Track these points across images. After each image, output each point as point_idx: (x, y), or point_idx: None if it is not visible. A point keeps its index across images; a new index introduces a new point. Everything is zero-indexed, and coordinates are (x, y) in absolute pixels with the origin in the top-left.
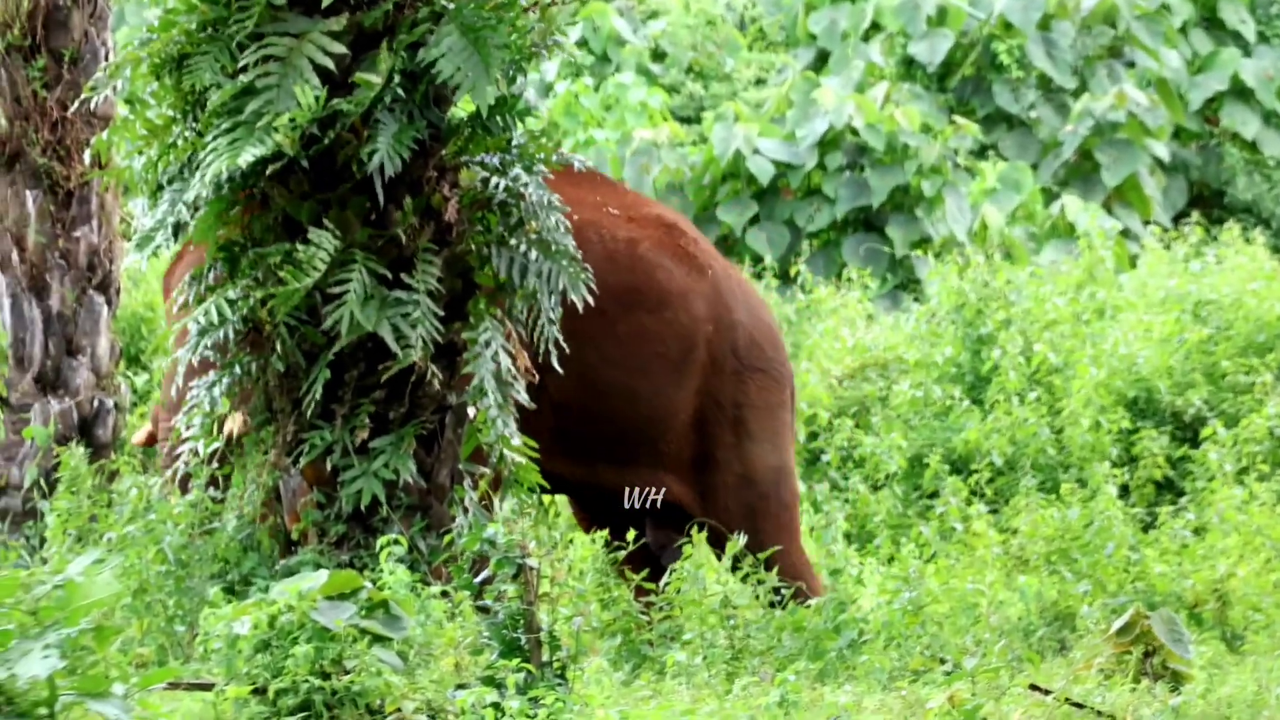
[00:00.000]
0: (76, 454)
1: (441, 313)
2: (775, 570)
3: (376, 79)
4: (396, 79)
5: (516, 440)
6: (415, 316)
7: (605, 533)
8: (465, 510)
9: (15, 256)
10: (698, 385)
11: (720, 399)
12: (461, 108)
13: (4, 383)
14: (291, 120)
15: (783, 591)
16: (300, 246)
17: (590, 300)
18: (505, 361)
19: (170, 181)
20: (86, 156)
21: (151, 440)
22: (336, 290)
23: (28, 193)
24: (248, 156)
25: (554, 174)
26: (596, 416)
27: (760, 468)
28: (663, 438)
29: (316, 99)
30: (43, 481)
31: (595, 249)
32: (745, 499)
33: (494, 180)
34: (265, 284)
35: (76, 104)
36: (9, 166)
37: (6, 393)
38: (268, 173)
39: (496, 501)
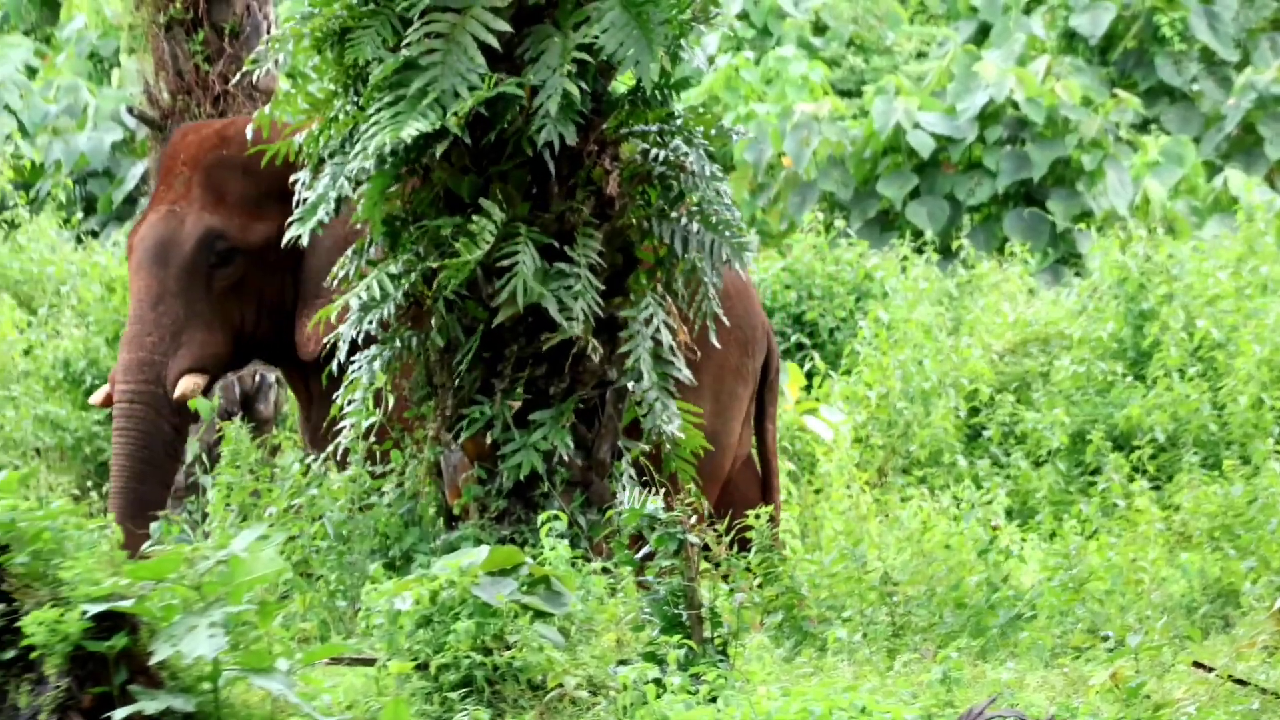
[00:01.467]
0: (239, 429)
1: (603, 287)
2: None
3: (537, 75)
4: (567, 59)
5: (675, 418)
6: (577, 289)
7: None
8: (625, 486)
9: None
10: None
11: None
12: (621, 81)
13: None
14: (456, 107)
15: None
16: (475, 218)
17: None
18: (666, 338)
19: (331, 155)
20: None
21: (108, 401)
22: (505, 263)
23: None
24: (410, 131)
25: None
26: None
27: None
28: None
29: (482, 78)
30: (205, 456)
31: None
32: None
33: (654, 153)
34: (427, 259)
35: (238, 77)
36: None
37: None
38: (432, 150)
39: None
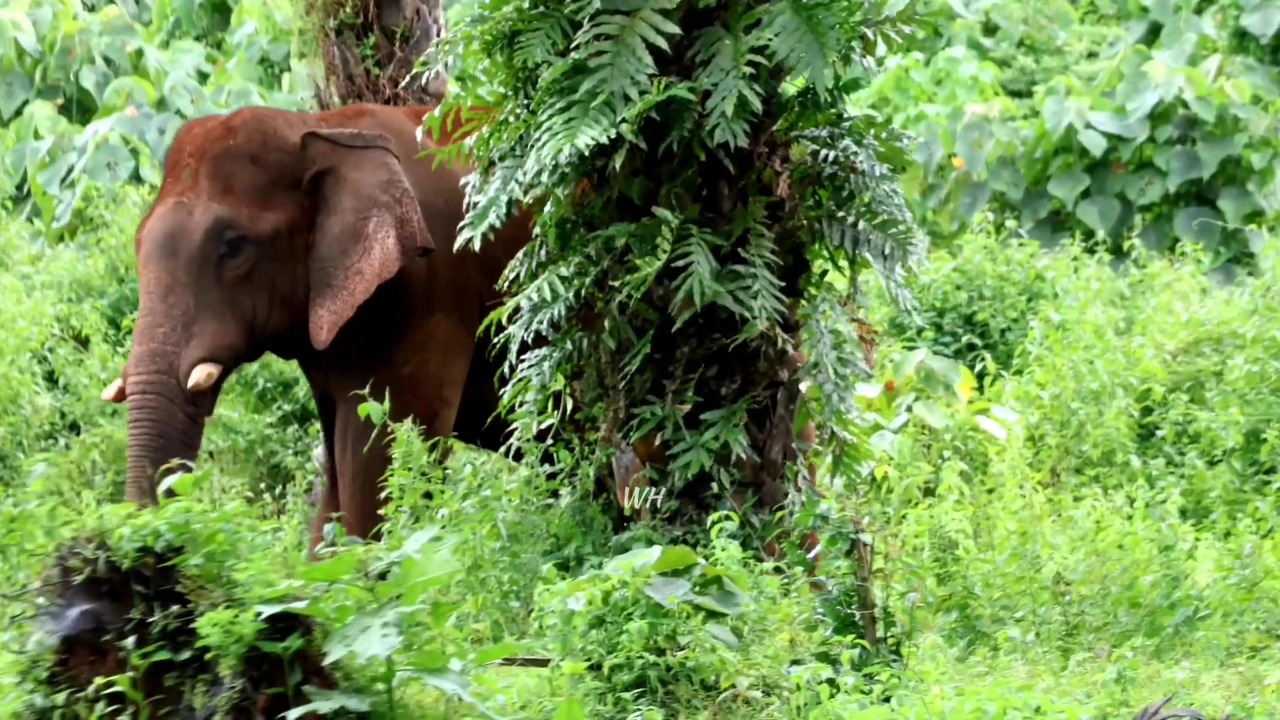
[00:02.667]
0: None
1: (782, 284)
2: None
3: (710, 77)
4: (741, 61)
5: (854, 415)
6: (756, 288)
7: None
8: (798, 487)
9: None
10: None
11: None
12: (790, 83)
13: None
14: (627, 111)
15: None
16: (647, 223)
17: None
18: (849, 330)
19: (502, 158)
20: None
21: (121, 395)
22: (680, 264)
23: None
24: (585, 139)
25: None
26: None
27: None
28: None
29: (651, 80)
30: None
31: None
32: None
33: (824, 154)
34: (599, 262)
35: (407, 81)
36: None
37: None
38: (607, 158)
39: (827, 478)
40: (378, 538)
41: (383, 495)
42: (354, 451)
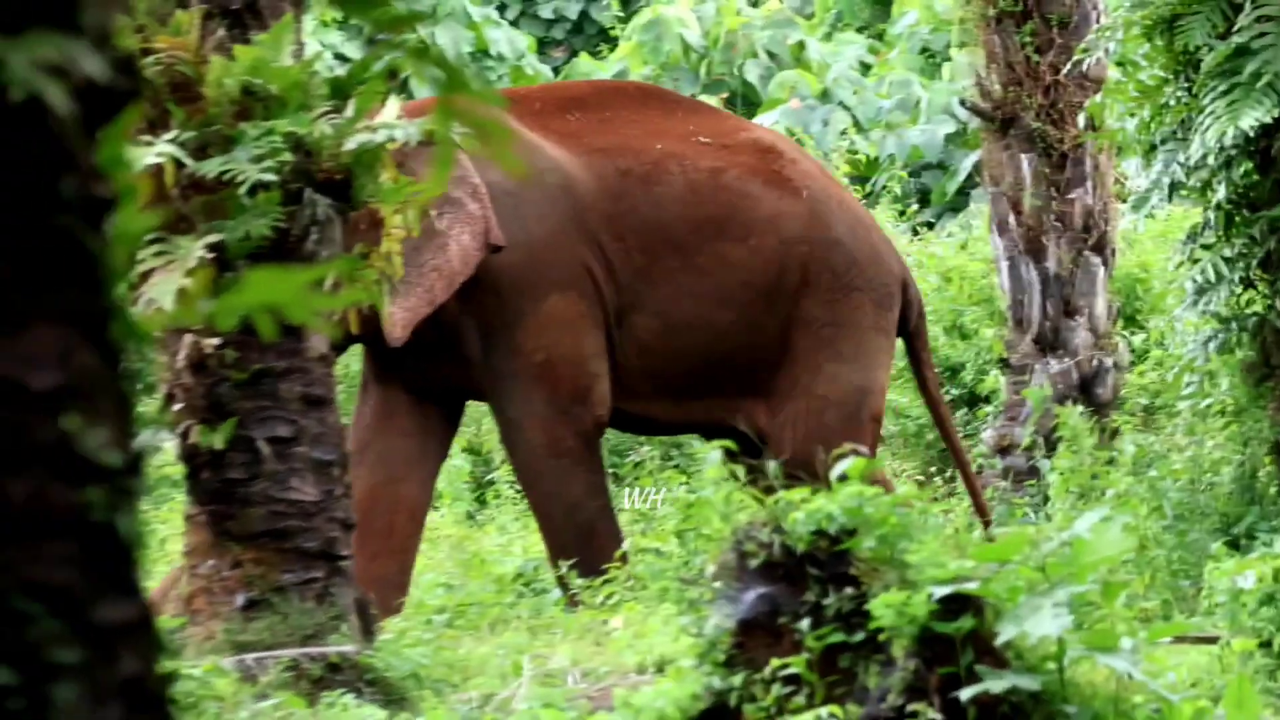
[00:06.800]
0: (1075, 413)
1: None
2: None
3: None
4: None
5: None
6: None
7: None
8: None
9: (1012, 219)
10: (789, 309)
11: (811, 318)
12: None
13: (1005, 344)
14: None
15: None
16: None
17: (671, 235)
18: None
19: (1163, 142)
20: (1079, 119)
21: None
22: None
23: (1023, 156)
24: (1248, 121)
25: (646, 104)
26: (681, 353)
27: (842, 389)
28: (752, 366)
29: None
30: (1042, 440)
31: (676, 180)
32: (823, 420)
33: None
34: (1263, 243)
35: (1068, 67)
36: (1004, 131)
37: (1007, 354)
38: (1269, 138)
39: None
40: (585, 527)
41: (562, 483)
42: (525, 451)
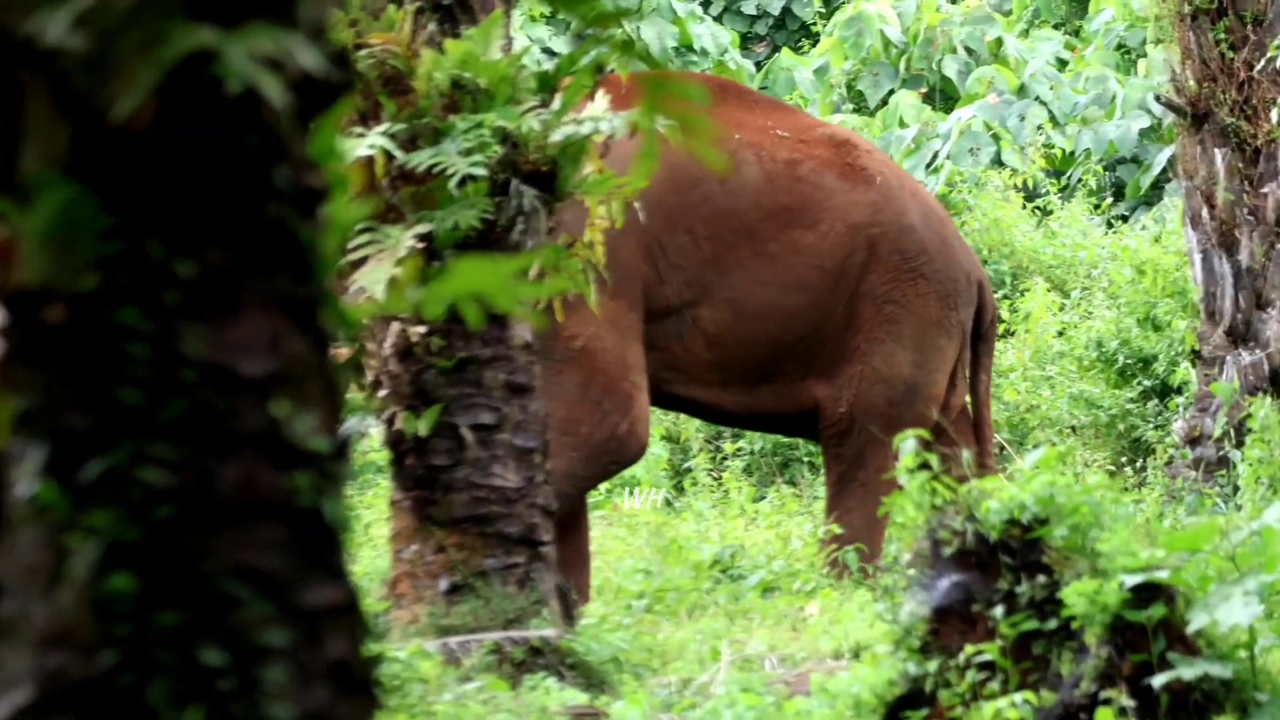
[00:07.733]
0: (1265, 405)
1: None
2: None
3: None
4: None
5: None
6: None
7: None
8: None
9: (1205, 213)
10: (855, 286)
11: (876, 293)
12: None
13: (1197, 336)
14: None
15: None
16: None
17: (743, 223)
18: None
19: None
20: (1273, 114)
21: None
22: None
23: (1216, 151)
24: None
25: (725, 97)
26: (751, 341)
27: (897, 371)
28: (819, 348)
29: None
30: (1232, 431)
31: (752, 169)
32: (878, 394)
33: None
34: None
35: (1262, 64)
36: (1197, 126)
37: (1199, 345)
38: None
39: None
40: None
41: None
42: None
